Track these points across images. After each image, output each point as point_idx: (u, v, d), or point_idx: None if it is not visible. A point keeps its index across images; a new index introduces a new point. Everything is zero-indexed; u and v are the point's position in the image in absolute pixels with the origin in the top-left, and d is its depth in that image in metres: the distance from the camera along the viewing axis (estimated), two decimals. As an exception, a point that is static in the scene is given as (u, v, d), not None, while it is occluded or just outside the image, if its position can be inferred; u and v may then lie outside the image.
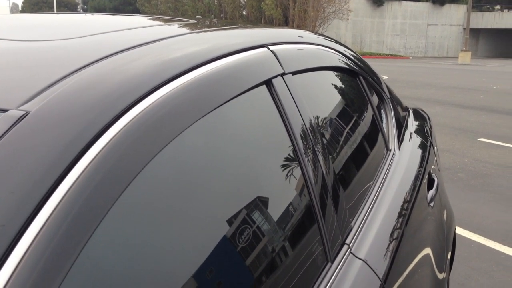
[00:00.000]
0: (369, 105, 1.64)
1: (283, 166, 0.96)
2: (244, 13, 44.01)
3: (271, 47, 1.08)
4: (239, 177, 0.83)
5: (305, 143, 1.01)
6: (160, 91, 0.70)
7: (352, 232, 1.10)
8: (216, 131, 0.81)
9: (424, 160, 1.80)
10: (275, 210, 0.88)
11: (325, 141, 1.17)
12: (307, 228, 0.95)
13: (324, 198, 1.01)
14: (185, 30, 1.08)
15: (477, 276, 3.11)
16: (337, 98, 1.45)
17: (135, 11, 45.22)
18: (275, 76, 1.01)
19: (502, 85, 15.27)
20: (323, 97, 1.34)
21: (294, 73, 1.11)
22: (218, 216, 0.74)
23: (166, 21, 1.17)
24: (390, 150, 1.66)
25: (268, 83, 0.98)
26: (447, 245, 1.87)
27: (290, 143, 0.97)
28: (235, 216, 0.78)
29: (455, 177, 5.27)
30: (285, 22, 38.83)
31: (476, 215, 4.16)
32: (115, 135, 0.59)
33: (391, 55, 37.68)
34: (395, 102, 2.05)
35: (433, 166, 1.90)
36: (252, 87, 0.92)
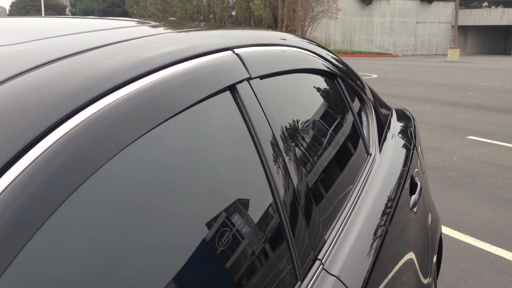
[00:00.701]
0: (348, 108, 1.57)
1: (247, 178, 0.89)
2: (233, 13, 43.94)
3: (237, 50, 1.01)
4: (197, 191, 0.76)
5: (273, 152, 0.94)
6: (105, 99, 0.64)
7: (326, 246, 1.03)
8: (171, 142, 0.74)
9: (406, 164, 1.73)
10: (239, 227, 0.81)
11: (297, 149, 1.09)
12: (275, 245, 0.88)
13: (295, 211, 0.94)
14: (142, 32, 1.00)
15: (466, 278, 3.05)
16: (312, 102, 1.38)
17: (124, 13, 45.01)
18: (240, 81, 0.94)
19: (490, 82, 15.31)
20: (296, 101, 1.26)
21: (262, 77, 1.04)
22: (173, 229, 0.67)
23: (123, 22, 1.10)
24: (371, 154, 1.59)
25: (232, 88, 0.91)
26: (432, 249, 1.81)
27: (256, 153, 0.90)
28: (193, 234, 0.70)
29: (444, 176, 5.23)
30: (274, 22, 38.79)
31: (465, 214, 4.11)
32: (58, 139, 0.56)
33: (381, 54, 37.76)
34: (378, 103, 1.99)
35: (416, 170, 1.84)
36: (214, 93, 0.85)
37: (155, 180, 0.68)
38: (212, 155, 0.82)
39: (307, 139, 1.21)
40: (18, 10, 49.89)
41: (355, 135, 1.55)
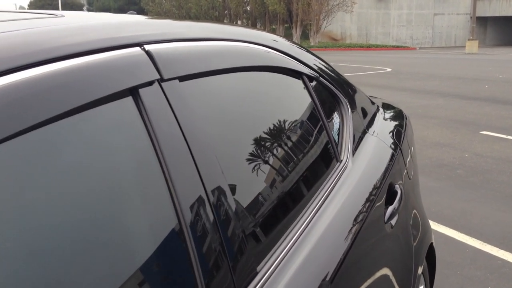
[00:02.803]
0: (315, 110, 1.39)
1: (147, 209, 0.73)
2: (248, 8, 43.70)
3: (149, 46, 0.84)
4: (80, 225, 0.62)
5: (184, 171, 0.77)
6: None
7: (255, 280, 0.86)
8: (39, 154, 0.60)
9: (386, 170, 1.55)
10: (128, 270, 0.65)
11: (228, 166, 0.93)
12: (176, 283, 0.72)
13: (210, 239, 0.78)
14: (41, 24, 0.84)
15: (470, 286, 2.85)
16: (264, 105, 1.20)
17: (140, 10, 45.16)
18: (147, 84, 0.78)
19: (508, 74, 14.87)
20: (240, 105, 1.09)
21: (183, 78, 0.87)
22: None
23: (17, 13, 0.95)
24: (341, 161, 1.42)
25: (134, 92, 0.76)
26: (416, 261, 1.63)
27: (158, 172, 0.74)
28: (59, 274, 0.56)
29: (454, 174, 5.00)
30: (289, 17, 38.44)
31: (474, 215, 3.90)
32: None
33: (397, 47, 37.17)
34: (361, 102, 1.81)
35: (398, 175, 1.65)
36: (105, 98, 0.70)
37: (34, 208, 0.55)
38: (96, 174, 0.67)
39: (245, 152, 1.04)
40: (36, 9, 50.37)
41: (322, 140, 1.38)
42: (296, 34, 37.94)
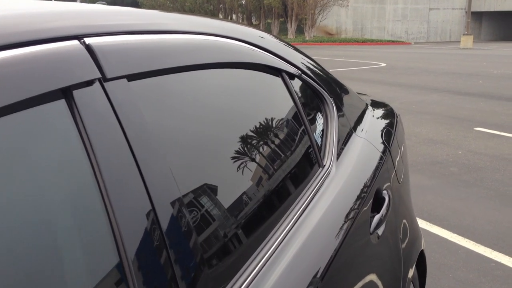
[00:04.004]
0: (295, 111, 1.28)
1: (81, 228, 0.62)
2: (243, 2, 43.39)
3: (90, 40, 0.73)
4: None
5: (129, 190, 0.67)
6: None
7: None
8: None
9: (374, 175, 1.45)
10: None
11: (190, 177, 0.82)
12: None
13: (154, 268, 0.68)
14: None
15: (462, 289, 2.77)
16: (233, 106, 1.08)
17: (134, 3, 44.78)
18: (84, 84, 0.67)
19: (503, 70, 14.81)
20: (204, 108, 0.97)
21: (134, 77, 0.76)
22: None
23: None
24: (324, 166, 1.31)
25: (68, 94, 0.65)
26: (404, 273, 1.53)
27: (93, 188, 0.63)
28: None
29: (447, 171, 4.91)
30: (284, 11, 38.18)
31: (467, 215, 3.81)
32: None
33: (393, 41, 37.06)
34: (348, 100, 1.70)
35: (386, 180, 1.55)
36: (29, 100, 0.59)
37: None
38: (17, 192, 0.56)
39: (217, 157, 0.93)
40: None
41: (303, 144, 1.27)
42: (291, 28, 37.71)
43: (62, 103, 0.64)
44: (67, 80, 0.65)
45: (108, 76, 0.71)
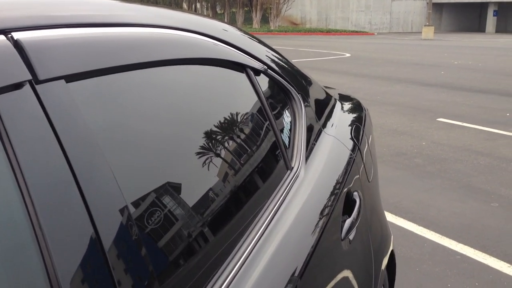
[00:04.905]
0: (260, 109, 1.19)
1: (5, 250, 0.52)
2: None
3: (18, 34, 0.62)
4: None
5: (55, 197, 0.57)
6: None
7: None
8: None
9: (344, 176, 1.38)
10: None
11: (141, 186, 0.73)
12: None
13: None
14: None
15: (428, 283, 2.76)
16: (191, 106, 0.98)
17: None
18: (11, 87, 0.56)
19: (463, 60, 15.12)
20: (158, 109, 0.86)
21: (73, 77, 0.65)
22: None
23: None
24: (292, 168, 1.23)
25: None
26: (375, 277, 1.47)
27: (17, 201, 0.53)
28: None
29: (412, 163, 4.94)
30: (249, 0, 37.92)
31: (431, 207, 3.83)
32: None
33: (356, 32, 37.38)
34: (316, 95, 1.62)
35: (357, 179, 1.48)
36: None
37: None
38: None
39: (174, 161, 0.83)
40: None
41: (270, 145, 1.19)
42: (256, 18, 37.52)
43: None
44: None
45: (41, 77, 0.60)
